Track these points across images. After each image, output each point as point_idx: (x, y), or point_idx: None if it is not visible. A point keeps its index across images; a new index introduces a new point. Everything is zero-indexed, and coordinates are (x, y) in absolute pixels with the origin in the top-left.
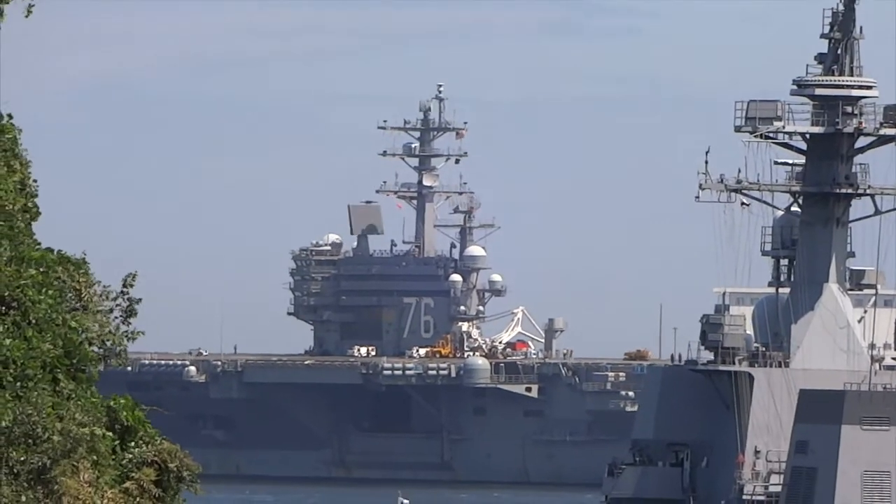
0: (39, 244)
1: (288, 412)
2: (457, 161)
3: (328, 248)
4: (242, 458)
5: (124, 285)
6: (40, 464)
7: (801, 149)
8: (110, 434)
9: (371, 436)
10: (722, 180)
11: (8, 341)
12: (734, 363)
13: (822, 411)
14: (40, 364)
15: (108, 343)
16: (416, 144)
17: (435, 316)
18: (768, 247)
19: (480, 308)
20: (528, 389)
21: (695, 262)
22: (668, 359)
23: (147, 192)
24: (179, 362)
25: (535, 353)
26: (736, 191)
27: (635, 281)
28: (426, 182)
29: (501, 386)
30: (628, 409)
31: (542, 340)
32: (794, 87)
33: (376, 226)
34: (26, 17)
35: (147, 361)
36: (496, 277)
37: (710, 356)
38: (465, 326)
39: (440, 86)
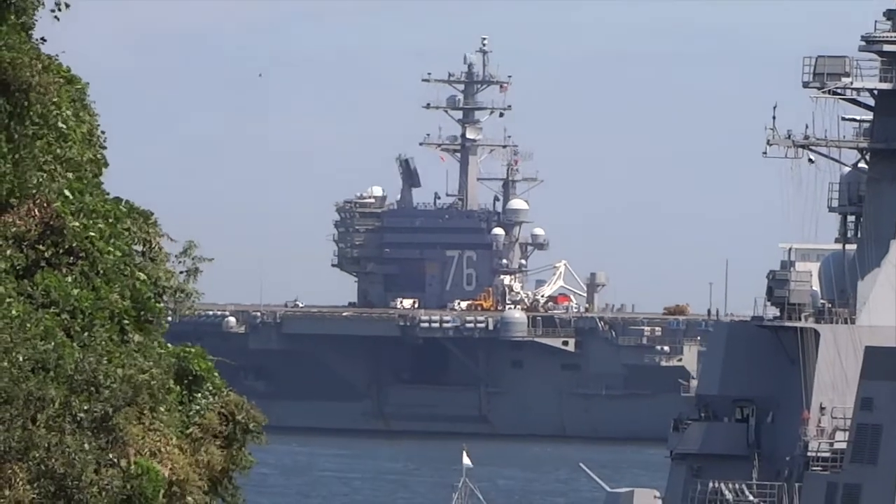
0: (108, 195)
1: (327, 364)
2: (501, 114)
3: (372, 200)
4: (282, 409)
5: (186, 249)
6: (103, 412)
7: (870, 105)
8: (175, 387)
9: (409, 388)
10: (789, 136)
11: (76, 291)
12: (800, 319)
13: (887, 368)
14: (108, 314)
15: (178, 295)
16: (460, 97)
17: (477, 269)
18: (835, 203)
19: (523, 262)
20: (565, 343)
21: (757, 217)
22: (732, 315)
23: (193, 142)
24: (220, 313)
25: (577, 307)
26: (803, 146)
27: (685, 235)
28: (469, 135)
29: (538, 339)
30: (663, 363)
31: (585, 294)
32: (863, 43)
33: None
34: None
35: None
36: (539, 231)
37: (776, 312)
38: (507, 280)
39: (484, 39)
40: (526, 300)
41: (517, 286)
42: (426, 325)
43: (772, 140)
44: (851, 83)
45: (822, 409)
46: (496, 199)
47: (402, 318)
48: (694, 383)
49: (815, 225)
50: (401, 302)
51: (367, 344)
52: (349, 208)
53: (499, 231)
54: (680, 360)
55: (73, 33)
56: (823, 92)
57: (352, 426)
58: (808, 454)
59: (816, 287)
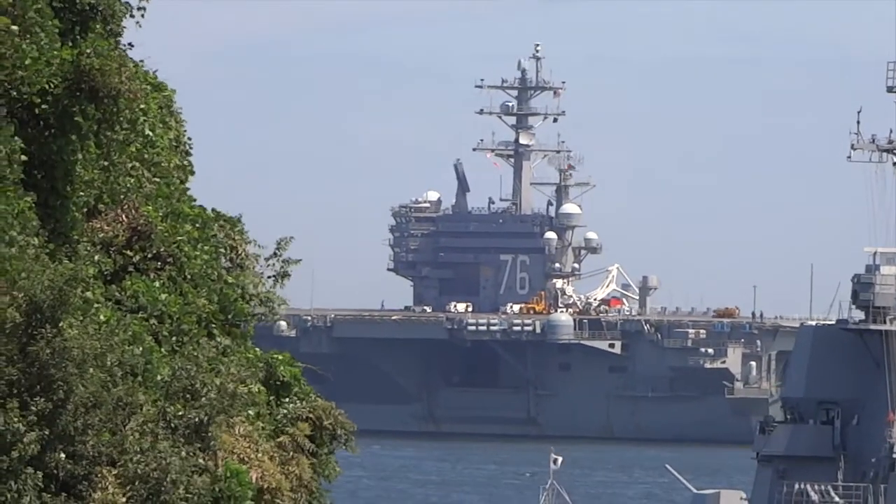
0: (195, 200)
1: (377, 367)
2: (555, 120)
3: (427, 204)
4: None
5: (278, 248)
6: (198, 419)
7: None
8: (264, 389)
9: (459, 391)
10: (874, 140)
11: (164, 296)
12: (885, 322)
13: None
14: (195, 319)
15: (264, 301)
16: (514, 103)
17: (530, 273)
18: None
19: (575, 265)
20: (612, 346)
21: (841, 222)
22: (819, 318)
23: (256, 146)
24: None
25: (628, 311)
26: (888, 151)
27: (752, 238)
28: (523, 140)
29: (584, 342)
30: (707, 365)
31: (637, 298)
32: None
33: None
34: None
35: None
36: (591, 235)
37: (861, 315)
38: (559, 283)
39: (537, 45)
40: (578, 304)
41: (569, 290)
42: (473, 328)
43: (856, 145)
44: None
45: None
46: (549, 203)
47: (450, 321)
48: (738, 385)
49: None
50: (455, 306)
51: (417, 347)
52: (405, 213)
53: (551, 235)
54: (724, 362)
55: (160, 41)
56: None
57: (403, 429)
58: (894, 456)
59: None
